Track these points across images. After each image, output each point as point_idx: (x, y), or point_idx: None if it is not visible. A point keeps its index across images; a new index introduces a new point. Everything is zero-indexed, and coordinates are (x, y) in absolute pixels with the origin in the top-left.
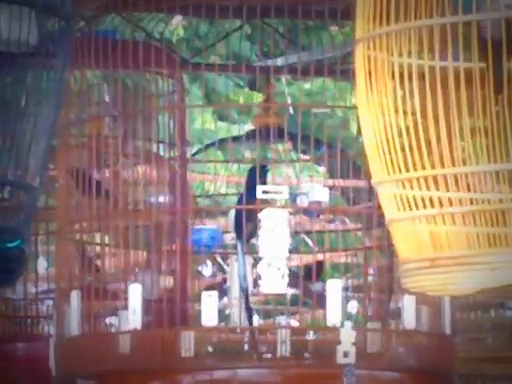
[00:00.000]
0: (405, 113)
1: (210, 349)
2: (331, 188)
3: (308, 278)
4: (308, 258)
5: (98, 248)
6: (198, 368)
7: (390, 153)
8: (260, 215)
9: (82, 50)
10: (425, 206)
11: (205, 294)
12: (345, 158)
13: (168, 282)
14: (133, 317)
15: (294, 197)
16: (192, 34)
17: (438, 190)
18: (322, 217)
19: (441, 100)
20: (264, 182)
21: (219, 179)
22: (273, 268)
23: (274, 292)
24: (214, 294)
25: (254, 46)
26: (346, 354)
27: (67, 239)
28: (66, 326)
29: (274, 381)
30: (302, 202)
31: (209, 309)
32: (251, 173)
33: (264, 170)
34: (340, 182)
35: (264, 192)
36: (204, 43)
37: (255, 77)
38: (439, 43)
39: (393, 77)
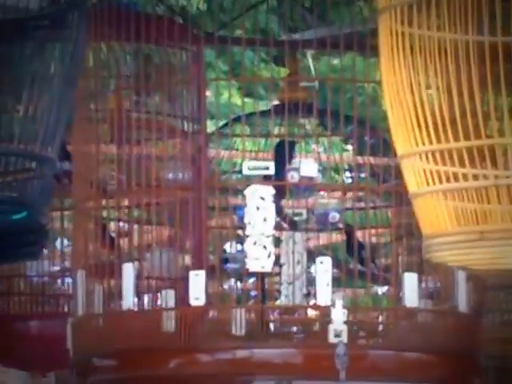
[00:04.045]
0: (429, 87)
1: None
2: (359, 165)
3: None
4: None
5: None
6: (219, 347)
7: (414, 126)
8: (245, 192)
9: (101, 21)
10: (448, 180)
11: (192, 273)
12: (374, 136)
13: (186, 259)
14: (126, 297)
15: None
16: (216, 6)
17: (462, 165)
18: (349, 195)
19: (464, 75)
20: (291, 158)
21: (246, 155)
22: (258, 246)
23: (259, 271)
24: (202, 273)
25: (280, 20)
26: (337, 333)
27: (84, 215)
28: (85, 305)
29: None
30: (293, 177)
31: (196, 288)
32: (278, 148)
33: (291, 145)
34: (369, 160)
35: (250, 168)
36: (229, 16)
37: (281, 52)
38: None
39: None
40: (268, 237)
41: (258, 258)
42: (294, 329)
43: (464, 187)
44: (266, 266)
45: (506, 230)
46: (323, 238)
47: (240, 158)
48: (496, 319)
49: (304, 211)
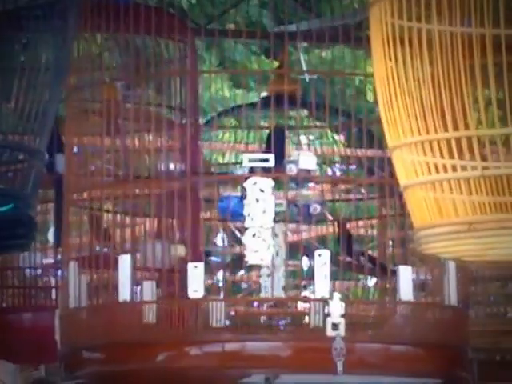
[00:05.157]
0: (417, 79)
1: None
2: (348, 158)
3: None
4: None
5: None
6: (208, 340)
7: (403, 117)
8: (245, 184)
9: (92, 13)
10: (437, 172)
11: (190, 266)
12: (362, 128)
13: (180, 251)
14: (122, 289)
15: None
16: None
17: (450, 156)
18: (339, 187)
19: (451, 67)
20: (283, 147)
21: (233, 147)
22: (258, 239)
23: (258, 263)
24: (200, 265)
25: (270, 14)
26: (335, 326)
27: (76, 207)
28: (72, 297)
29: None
30: (291, 170)
31: (195, 280)
32: (269, 138)
33: (282, 135)
34: (357, 152)
35: (250, 160)
36: (218, 10)
37: (271, 44)
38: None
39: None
40: (267, 229)
41: (257, 251)
42: (283, 322)
43: (452, 178)
44: (265, 258)
45: (494, 221)
46: (314, 231)
47: (224, 150)
48: (484, 312)
49: (284, 202)
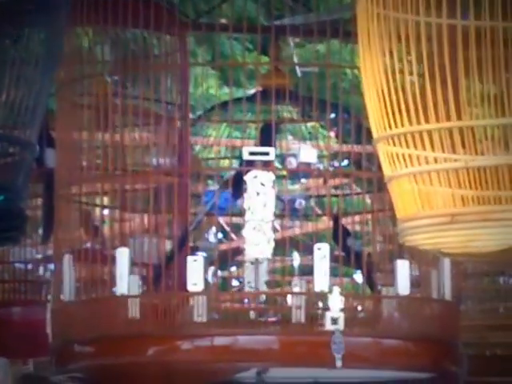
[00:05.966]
0: (401, 72)
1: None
2: (341, 153)
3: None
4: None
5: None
6: (198, 334)
7: (387, 109)
8: (245, 178)
9: (84, 6)
10: (420, 164)
11: (190, 259)
12: (355, 123)
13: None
14: (120, 282)
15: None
16: None
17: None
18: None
19: (436, 58)
20: (275, 141)
21: (222, 142)
22: (258, 232)
23: (258, 257)
24: (200, 258)
25: (262, 8)
26: (334, 321)
27: (67, 201)
28: (66, 291)
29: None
30: (291, 163)
31: (194, 274)
32: (263, 132)
33: (276, 129)
34: (350, 148)
35: (251, 154)
36: (209, 5)
37: (263, 39)
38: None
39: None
40: (267, 222)
41: (258, 244)
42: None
43: (435, 169)
44: (265, 251)
45: (476, 213)
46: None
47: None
48: (475, 307)
49: None
